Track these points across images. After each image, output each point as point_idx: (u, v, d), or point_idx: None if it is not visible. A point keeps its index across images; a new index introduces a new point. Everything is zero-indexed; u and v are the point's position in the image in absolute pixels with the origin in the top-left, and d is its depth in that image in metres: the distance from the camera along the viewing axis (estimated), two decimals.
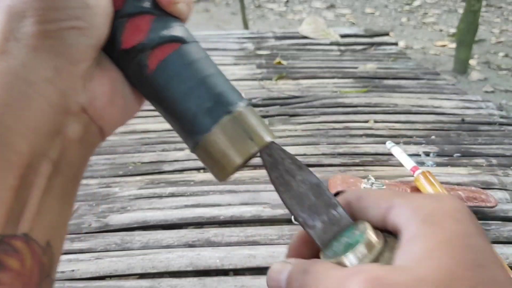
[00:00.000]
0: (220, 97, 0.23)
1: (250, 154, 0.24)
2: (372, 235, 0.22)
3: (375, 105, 0.98)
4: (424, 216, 0.20)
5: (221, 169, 0.24)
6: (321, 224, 0.23)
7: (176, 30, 0.24)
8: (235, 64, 1.25)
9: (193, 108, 0.23)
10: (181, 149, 0.80)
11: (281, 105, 0.99)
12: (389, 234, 0.22)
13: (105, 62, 0.23)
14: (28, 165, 0.20)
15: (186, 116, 0.23)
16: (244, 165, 0.25)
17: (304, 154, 0.77)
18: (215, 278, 0.51)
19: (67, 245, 0.56)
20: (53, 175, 0.21)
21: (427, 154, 0.78)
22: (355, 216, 0.24)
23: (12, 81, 0.20)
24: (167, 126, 0.75)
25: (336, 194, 0.61)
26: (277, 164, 0.24)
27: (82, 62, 0.22)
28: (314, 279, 0.20)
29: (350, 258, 0.21)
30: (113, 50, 0.23)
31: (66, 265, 0.53)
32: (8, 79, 0.20)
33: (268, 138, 0.24)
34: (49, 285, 0.22)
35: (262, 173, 0.72)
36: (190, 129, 0.23)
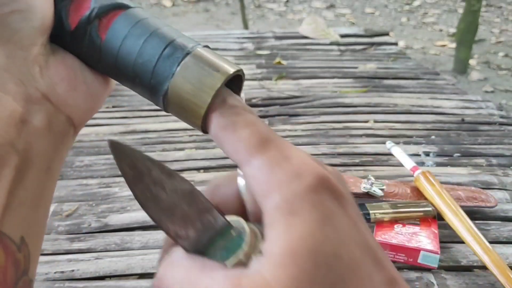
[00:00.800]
0: (175, 43, 0.22)
1: (218, 87, 0.21)
2: (247, 236, 0.20)
3: (375, 105, 0.98)
4: (279, 201, 0.19)
5: (195, 111, 0.22)
6: (194, 233, 0.21)
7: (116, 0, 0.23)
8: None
9: (152, 59, 0.22)
10: (181, 149, 0.80)
11: (281, 105, 0.99)
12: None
13: (59, 50, 0.23)
14: None
15: (147, 70, 0.22)
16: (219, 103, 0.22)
17: None
18: None
19: (67, 245, 0.56)
20: (23, 167, 0.21)
21: (427, 154, 0.78)
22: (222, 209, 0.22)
23: None
24: (167, 126, 0.76)
25: None
26: (142, 176, 0.21)
27: (32, 46, 0.22)
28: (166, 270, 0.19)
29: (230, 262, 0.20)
30: (64, 36, 0.23)
31: (66, 265, 0.53)
32: None
33: (232, 69, 0.22)
34: (28, 285, 0.21)
35: None
36: (155, 82, 0.22)
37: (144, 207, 0.20)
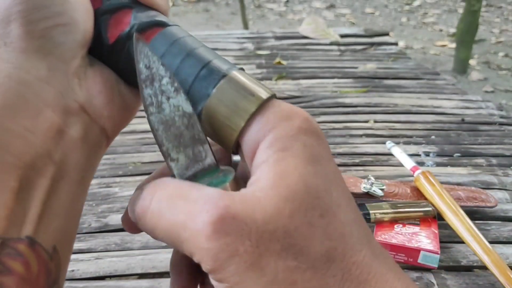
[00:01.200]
0: (211, 64, 0.22)
1: (252, 111, 0.21)
2: (237, 179, 0.21)
3: (375, 105, 0.98)
4: (272, 140, 0.20)
5: (228, 134, 0.22)
6: (184, 159, 0.21)
7: (156, 16, 0.24)
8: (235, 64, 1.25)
9: (188, 79, 0.22)
10: None
11: None
12: None
13: (97, 63, 0.24)
14: (29, 166, 0.20)
15: (183, 89, 0.22)
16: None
17: None
18: None
19: None
20: (58, 177, 0.21)
21: (427, 154, 0.78)
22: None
23: (6, 83, 0.20)
24: None
25: None
26: (154, 81, 0.21)
27: (73, 59, 0.22)
28: (156, 210, 0.19)
29: None
30: (102, 49, 0.24)
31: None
32: (4, 83, 0.20)
33: (267, 94, 0.22)
34: None
35: None
36: (191, 101, 0.22)
37: (146, 110, 0.21)
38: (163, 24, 0.24)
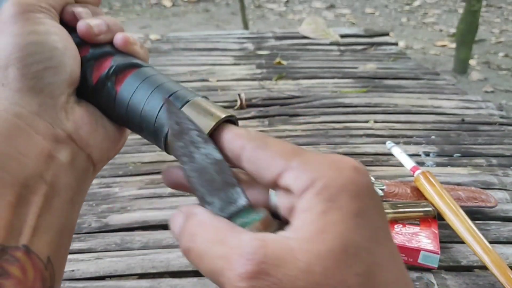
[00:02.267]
0: (178, 93, 0.26)
1: (211, 128, 0.24)
2: (269, 217, 0.22)
3: (375, 105, 0.98)
4: (320, 189, 0.20)
5: None
6: (219, 202, 0.23)
7: (133, 59, 0.28)
8: (235, 64, 1.25)
9: (156, 107, 0.26)
10: None
11: (281, 105, 0.99)
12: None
13: (83, 101, 0.28)
14: (24, 184, 0.23)
15: (151, 116, 0.26)
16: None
17: None
18: None
19: None
20: (50, 195, 0.24)
21: (427, 154, 0.78)
22: (247, 164, 0.23)
23: (3, 116, 0.24)
24: None
25: None
26: (183, 134, 0.24)
27: (60, 96, 0.26)
28: (197, 252, 0.21)
29: None
30: (87, 90, 0.28)
31: (66, 265, 0.53)
32: (3, 116, 0.24)
33: (224, 114, 0.25)
34: None
35: None
36: (157, 127, 0.26)
37: (180, 161, 0.24)
38: (137, 65, 0.28)
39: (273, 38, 1.48)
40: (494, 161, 0.76)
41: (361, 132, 0.86)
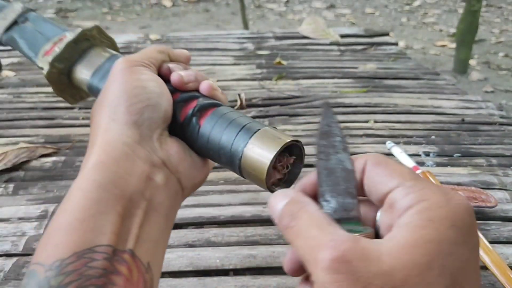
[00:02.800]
0: (247, 125, 0.31)
1: (280, 147, 0.29)
2: (373, 234, 0.24)
3: (375, 105, 0.98)
4: (424, 208, 0.21)
5: (261, 173, 0.29)
6: (335, 203, 0.25)
7: (213, 100, 0.35)
8: (235, 64, 1.25)
9: (232, 137, 0.31)
10: None
11: (281, 105, 0.99)
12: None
13: (173, 136, 0.34)
14: (130, 199, 0.28)
15: (228, 144, 0.31)
16: (284, 167, 0.31)
17: (305, 155, 0.77)
18: (215, 278, 0.51)
19: None
20: (149, 210, 0.29)
21: (427, 154, 0.78)
22: (365, 178, 0.26)
23: (115, 145, 0.31)
24: None
25: None
26: (329, 136, 0.28)
27: (156, 129, 0.33)
28: (296, 230, 0.23)
29: None
30: (176, 127, 0.34)
31: None
32: (114, 144, 0.31)
33: (290, 138, 0.30)
34: None
35: None
36: (232, 153, 0.31)
37: (317, 156, 0.27)
38: (216, 105, 0.34)
39: (273, 38, 1.48)
40: (494, 161, 0.76)
41: (361, 132, 0.86)
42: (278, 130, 0.31)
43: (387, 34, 1.52)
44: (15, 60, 1.28)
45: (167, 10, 4.56)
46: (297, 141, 0.30)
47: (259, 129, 0.30)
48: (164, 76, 0.36)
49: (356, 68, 1.22)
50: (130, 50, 1.36)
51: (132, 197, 0.29)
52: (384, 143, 0.71)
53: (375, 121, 0.91)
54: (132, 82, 0.33)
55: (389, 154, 0.72)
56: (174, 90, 0.35)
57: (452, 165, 0.75)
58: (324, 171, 0.26)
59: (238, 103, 0.97)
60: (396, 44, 1.44)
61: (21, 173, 0.73)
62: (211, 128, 0.32)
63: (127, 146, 0.31)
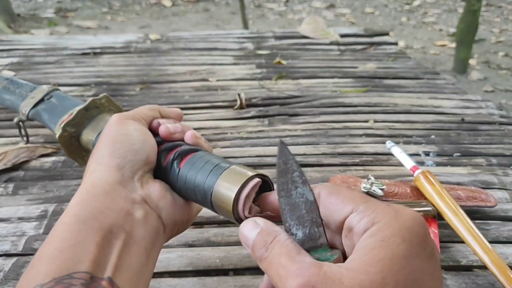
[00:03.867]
0: (219, 164, 0.35)
1: (244, 181, 0.32)
2: (341, 258, 0.26)
3: (375, 105, 0.98)
4: (376, 230, 0.24)
5: (228, 204, 0.32)
6: (302, 235, 0.27)
7: (193, 147, 0.39)
8: (234, 64, 1.25)
9: (205, 176, 0.34)
10: None
11: (281, 104, 0.99)
12: None
13: (156, 179, 0.38)
14: (109, 230, 0.31)
15: (201, 182, 0.34)
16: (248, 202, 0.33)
17: (304, 154, 0.77)
18: (215, 278, 0.51)
19: None
20: (128, 242, 0.31)
21: (427, 153, 0.78)
22: (320, 208, 0.28)
23: (98, 184, 0.34)
24: None
25: None
26: (287, 173, 0.29)
27: (138, 171, 0.36)
28: (269, 261, 0.26)
29: None
30: (160, 171, 0.38)
31: None
32: (96, 184, 0.34)
33: (254, 173, 0.33)
34: None
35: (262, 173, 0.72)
36: (205, 190, 0.34)
37: (278, 194, 0.29)
38: (196, 150, 0.38)
39: (273, 38, 1.48)
40: (494, 160, 0.76)
41: (360, 131, 0.86)
42: (246, 168, 0.34)
43: (387, 34, 1.52)
44: (14, 60, 1.28)
45: (166, 9, 4.55)
46: (262, 175, 0.33)
47: (228, 167, 0.34)
48: (154, 130, 0.41)
49: (356, 67, 1.22)
50: (129, 50, 1.36)
51: (112, 229, 0.31)
52: (383, 142, 0.71)
53: (375, 121, 0.91)
54: (119, 131, 0.38)
55: (389, 154, 0.72)
56: (162, 141, 0.40)
57: (452, 165, 0.75)
58: (287, 207, 0.28)
59: (238, 103, 0.97)
60: (396, 43, 1.44)
61: (20, 173, 0.73)
62: (188, 170, 0.36)
63: (108, 185, 0.34)
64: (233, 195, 0.32)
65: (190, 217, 0.40)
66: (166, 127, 0.40)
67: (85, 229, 0.30)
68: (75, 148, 0.51)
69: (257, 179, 0.33)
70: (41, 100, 0.63)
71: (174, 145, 0.39)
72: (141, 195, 0.35)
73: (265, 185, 0.34)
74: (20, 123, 0.67)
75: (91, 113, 0.52)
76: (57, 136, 0.50)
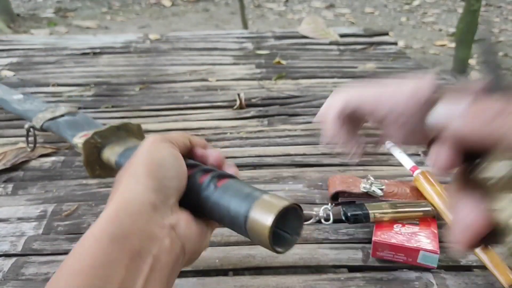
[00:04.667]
0: (255, 191, 0.37)
1: (279, 211, 0.33)
2: None
3: None
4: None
5: (263, 233, 0.34)
6: None
7: (227, 173, 0.41)
8: (234, 64, 1.25)
9: (239, 201, 0.36)
10: None
11: (281, 104, 0.99)
12: None
13: (181, 208, 0.38)
14: (138, 253, 0.31)
15: (235, 209, 0.36)
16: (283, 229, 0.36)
17: (304, 154, 0.77)
18: (215, 278, 0.51)
19: (66, 245, 0.56)
20: (154, 267, 0.32)
21: (426, 153, 0.78)
22: None
23: (133, 202, 0.34)
24: (167, 126, 0.76)
25: (336, 194, 0.61)
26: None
27: (171, 197, 0.36)
28: None
29: None
30: (193, 190, 0.39)
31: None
32: (131, 202, 0.34)
33: (287, 203, 0.34)
34: None
35: (262, 173, 0.72)
36: (239, 216, 0.35)
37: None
38: (232, 177, 0.40)
39: (272, 38, 1.48)
40: None
41: (360, 131, 0.86)
42: (276, 195, 0.36)
43: (386, 34, 1.52)
44: (14, 60, 1.28)
45: (166, 9, 4.55)
46: (296, 204, 0.35)
47: (263, 194, 0.36)
48: (185, 155, 0.42)
49: (355, 67, 1.22)
50: (129, 50, 1.36)
51: (141, 252, 0.31)
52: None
53: None
54: (156, 153, 0.38)
55: (389, 154, 0.72)
56: (195, 164, 0.42)
57: None
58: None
59: (238, 103, 0.97)
60: (395, 43, 1.44)
61: (20, 173, 0.73)
62: (225, 191, 0.37)
63: (144, 206, 0.34)
64: (271, 220, 0.33)
65: (207, 245, 0.41)
66: (201, 151, 0.43)
67: (116, 248, 0.30)
68: (94, 158, 0.52)
69: (292, 207, 0.35)
70: (62, 115, 0.65)
71: (209, 169, 0.41)
72: (170, 222, 0.35)
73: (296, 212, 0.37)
74: (31, 130, 0.68)
75: (120, 133, 0.54)
76: (82, 141, 0.53)
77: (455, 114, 0.24)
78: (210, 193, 0.38)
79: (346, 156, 0.33)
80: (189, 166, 0.40)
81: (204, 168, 0.40)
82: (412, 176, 0.61)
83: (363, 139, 0.34)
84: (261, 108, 0.97)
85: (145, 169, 0.36)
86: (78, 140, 0.55)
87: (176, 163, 0.38)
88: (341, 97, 0.35)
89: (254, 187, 0.38)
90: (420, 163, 0.74)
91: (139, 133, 0.57)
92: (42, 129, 0.66)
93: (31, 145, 0.70)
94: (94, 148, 0.52)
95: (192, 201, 0.39)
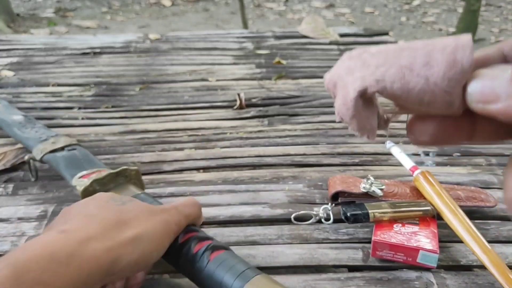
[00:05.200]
0: (249, 269, 0.39)
1: None
2: None
3: None
4: None
5: None
6: None
7: (224, 244, 0.43)
8: (234, 64, 1.25)
9: (234, 275, 0.38)
10: (181, 149, 0.80)
11: (281, 104, 0.99)
12: None
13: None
14: None
15: (230, 282, 0.38)
16: None
17: (304, 154, 0.77)
18: None
19: None
20: None
21: (426, 153, 0.78)
22: None
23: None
24: (167, 126, 0.76)
25: (336, 194, 0.61)
26: None
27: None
28: None
29: None
30: (188, 258, 0.42)
31: None
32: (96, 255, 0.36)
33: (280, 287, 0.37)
34: None
35: (261, 173, 0.72)
36: None
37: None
38: (227, 248, 0.42)
39: (272, 38, 1.48)
40: (493, 160, 0.76)
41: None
42: (273, 279, 0.38)
43: (386, 34, 1.52)
44: (14, 60, 1.28)
45: (166, 9, 4.55)
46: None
47: (257, 274, 0.38)
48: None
49: None
50: (129, 50, 1.36)
51: None
52: (383, 142, 0.71)
53: None
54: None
55: (389, 154, 0.72)
56: (195, 229, 0.44)
57: (452, 165, 0.75)
58: None
59: (238, 102, 0.97)
60: (395, 43, 1.44)
61: (20, 173, 0.73)
62: (217, 265, 0.39)
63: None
64: None
65: None
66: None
67: None
68: None
69: None
70: (62, 148, 0.66)
71: (206, 237, 0.43)
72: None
73: None
74: (31, 161, 0.68)
75: (119, 179, 0.56)
76: (81, 188, 0.54)
77: (502, 91, 0.19)
78: (202, 265, 0.40)
79: (363, 133, 0.29)
80: (188, 232, 0.43)
81: (201, 236, 0.43)
82: (412, 176, 0.61)
83: (379, 110, 0.27)
84: (261, 108, 0.97)
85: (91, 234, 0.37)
86: (77, 182, 0.57)
87: (163, 242, 0.41)
88: (357, 84, 0.27)
89: (247, 263, 0.40)
90: (420, 163, 0.74)
91: (137, 179, 0.59)
92: (41, 161, 0.67)
93: (34, 174, 0.71)
94: (92, 194, 0.53)
95: (187, 269, 0.42)
